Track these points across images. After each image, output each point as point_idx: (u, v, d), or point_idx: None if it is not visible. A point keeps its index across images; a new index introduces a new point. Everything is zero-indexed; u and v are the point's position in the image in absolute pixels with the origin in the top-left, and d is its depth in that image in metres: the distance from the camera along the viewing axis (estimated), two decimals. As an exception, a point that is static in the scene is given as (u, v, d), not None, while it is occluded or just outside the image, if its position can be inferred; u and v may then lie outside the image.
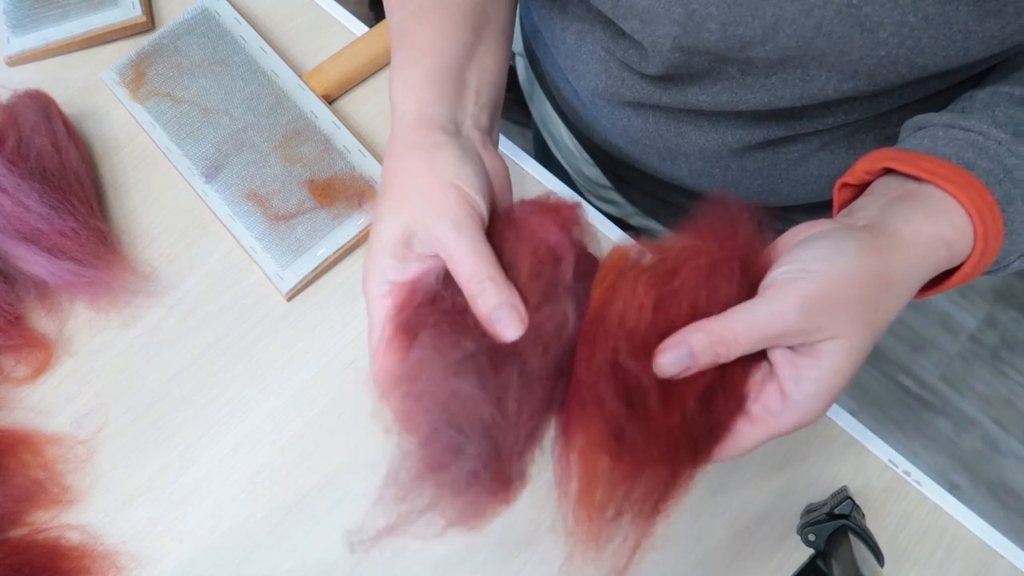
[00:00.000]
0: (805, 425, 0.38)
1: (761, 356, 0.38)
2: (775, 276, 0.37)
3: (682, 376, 0.36)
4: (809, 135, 0.54)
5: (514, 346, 0.38)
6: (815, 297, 0.35)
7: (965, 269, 0.40)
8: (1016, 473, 1.46)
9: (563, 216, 0.41)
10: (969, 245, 0.39)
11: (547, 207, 0.42)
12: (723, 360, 0.35)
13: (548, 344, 0.39)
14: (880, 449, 0.57)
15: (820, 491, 0.55)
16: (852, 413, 0.57)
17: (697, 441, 0.37)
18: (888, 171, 0.42)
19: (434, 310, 0.40)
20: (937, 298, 1.57)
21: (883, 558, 0.46)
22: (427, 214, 0.38)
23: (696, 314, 0.37)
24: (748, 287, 0.38)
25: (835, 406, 0.58)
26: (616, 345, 0.37)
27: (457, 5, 0.46)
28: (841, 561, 0.45)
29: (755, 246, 0.39)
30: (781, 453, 0.57)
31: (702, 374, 0.36)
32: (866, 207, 0.41)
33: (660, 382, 0.36)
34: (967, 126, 0.41)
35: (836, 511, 0.47)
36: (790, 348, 0.37)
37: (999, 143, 0.40)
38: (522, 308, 0.37)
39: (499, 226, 0.42)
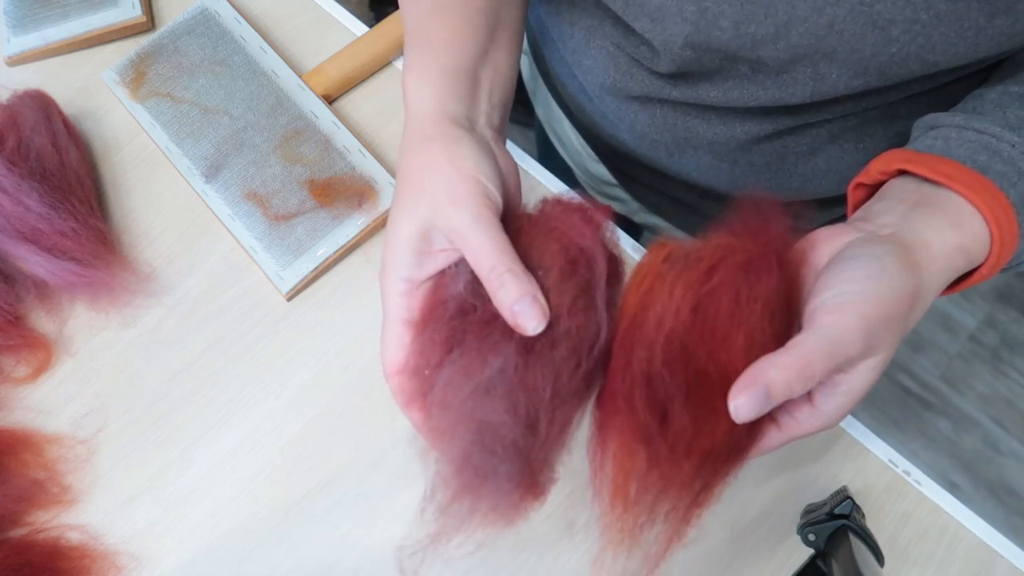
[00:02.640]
0: (825, 430, 0.38)
1: None
2: (827, 300, 0.35)
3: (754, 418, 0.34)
4: (817, 126, 0.54)
5: (545, 357, 0.38)
6: (875, 320, 0.35)
7: (982, 271, 0.40)
8: (1016, 473, 1.46)
9: (594, 218, 0.41)
10: (985, 250, 0.39)
11: (576, 207, 0.41)
12: (796, 394, 0.34)
13: (580, 356, 0.38)
14: (880, 449, 0.57)
15: (820, 491, 0.55)
16: (852, 413, 0.57)
17: (733, 453, 0.37)
18: (902, 172, 0.42)
19: (463, 323, 0.40)
20: (937, 298, 1.58)
21: (883, 558, 0.46)
22: (447, 205, 0.38)
23: (737, 313, 0.36)
24: (787, 283, 0.37)
25: (835, 406, 0.58)
26: (652, 354, 0.36)
27: (472, 6, 0.46)
28: (841, 561, 0.45)
29: (789, 241, 0.39)
30: (781, 453, 0.56)
31: None
32: (885, 212, 0.41)
33: (702, 395, 0.35)
34: (980, 128, 0.41)
35: (836, 511, 0.47)
36: None
37: (1012, 146, 0.40)
38: (543, 300, 0.37)
39: (523, 224, 0.41)
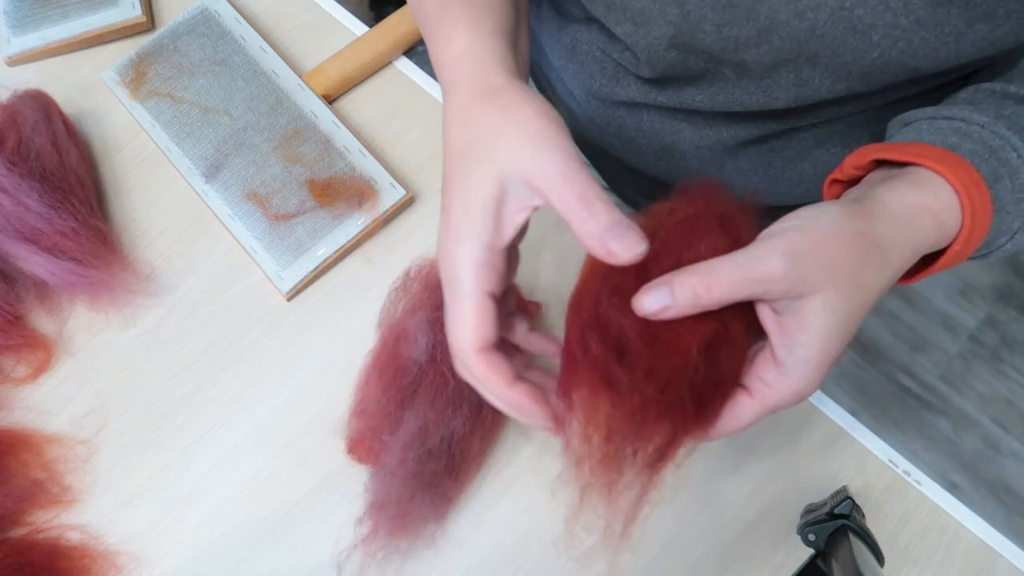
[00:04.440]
0: (803, 396, 0.37)
1: (757, 326, 0.38)
2: (763, 233, 0.37)
3: (660, 317, 0.35)
4: (803, 130, 0.55)
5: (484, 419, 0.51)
6: (800, 245, 0.35)
7: (955, 247, 0.40)
8: (1016, 473, 1.46)
9: None
10: (958, 221, 0.39)
11: None
12: (703, 302, 0.34)
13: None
14: (880, 449, 0.57)
15: (820, 491, 0.55)
16: (852, 413, 0.57)
17: (701, 395, 0.36)
18: (878, 166, 0.43)
19: (420, 386, 0.50)
20: (937, 298, 1.57)
21: (883, 558, 0.46)
22: (530, 142, 0.36)
23: (680, 267, 0.36)
24: (733, 241, 0.37)
25: (836, 406, 0.58)
26: (599, 301, 0.37)
27: None
28: (841, 561, 0.45)
29: (733, 207, 0.39)
30: (781, 453, 0.57)
31: (704, 323, 0.36)
32: (850, 193, 0.41)
33: (654, 330, 0.36)
34: (949, 115, 0.42)
35: (836, 511, 0.47)
36: (777, 312, 0.37)
37: (982, 126, 0.41)
38: (637, 227, 0.34)
39: None
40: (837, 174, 0.44)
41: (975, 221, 0.38)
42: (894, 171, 0.41)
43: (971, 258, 0.42)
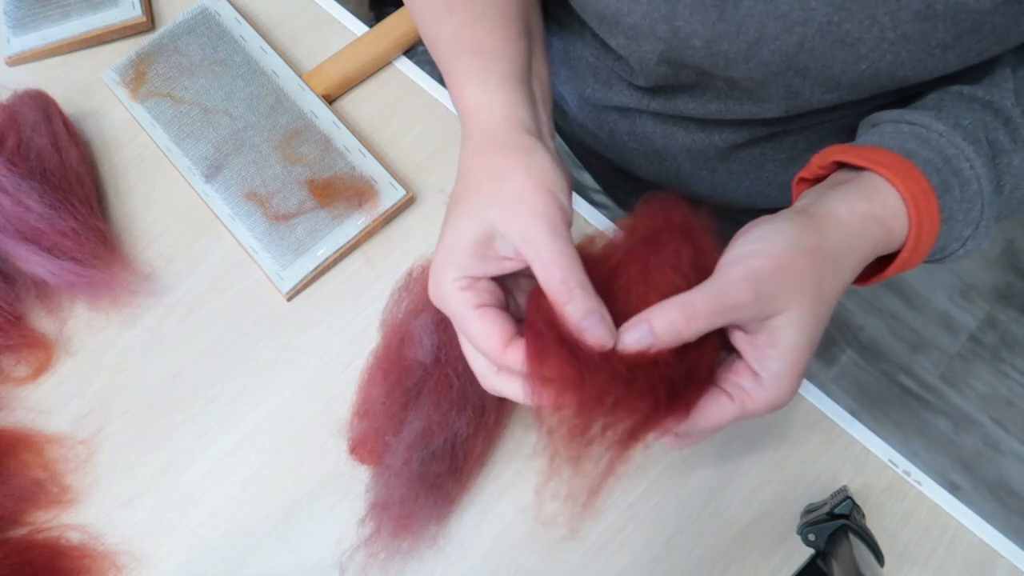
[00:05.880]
0: (779, 404, 0.38)
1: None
2: (723, 260, 0.38)
3: (645, 354, 0.36)
4: (794, 133, 0.55)
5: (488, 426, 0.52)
6: (763, 271, 0.36)
7: (904, 253, 0.41)
8: (1016, 473, 1.46)
9: None
10: (905, 229, 0.40)
11: None
12: (684, 336, 0.36)
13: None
14: (880, 449, 0.57)
15: (820, 491, 0.55)
16: (852, 413, 0.57)
17: (674, 383, 0.37)
18: (840, 166, 0.43)
19: (424, 387, 0.50)
20: (937, 298, 1.57)
21: (883, 558, 0.46)
22: (522, 215, 0.38)
23: (648, 278, 0.38)
24: (697, 251, 0.39)
25: (836, 406, 0.58)
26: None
27: (508, 15, 0.46)
28: (841, 561, 0.45)
29: (694, 221, 0.40)
30: (781, 453, 0.57)
31: None
32: (807, 195, 0.43)
33: (625, 313, 0.37)
34: (912, 120, 0.43)
35: (836, 511, 0.47)
36: (747, 333, 0.38)
37: (940, 135, 0.42)
38: (609, 319, 0.37)
39: None
40: (804, 172, 0.45)
41: (921, 230, 0.40)
42: (851, 174, 0.42)
43: (926, 261, 0.43)
